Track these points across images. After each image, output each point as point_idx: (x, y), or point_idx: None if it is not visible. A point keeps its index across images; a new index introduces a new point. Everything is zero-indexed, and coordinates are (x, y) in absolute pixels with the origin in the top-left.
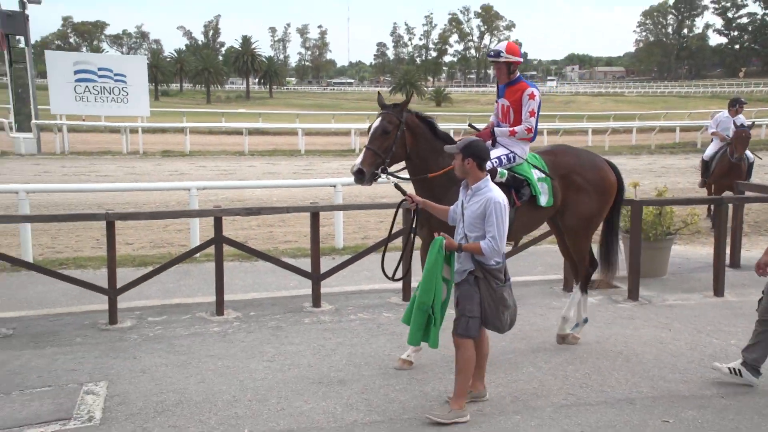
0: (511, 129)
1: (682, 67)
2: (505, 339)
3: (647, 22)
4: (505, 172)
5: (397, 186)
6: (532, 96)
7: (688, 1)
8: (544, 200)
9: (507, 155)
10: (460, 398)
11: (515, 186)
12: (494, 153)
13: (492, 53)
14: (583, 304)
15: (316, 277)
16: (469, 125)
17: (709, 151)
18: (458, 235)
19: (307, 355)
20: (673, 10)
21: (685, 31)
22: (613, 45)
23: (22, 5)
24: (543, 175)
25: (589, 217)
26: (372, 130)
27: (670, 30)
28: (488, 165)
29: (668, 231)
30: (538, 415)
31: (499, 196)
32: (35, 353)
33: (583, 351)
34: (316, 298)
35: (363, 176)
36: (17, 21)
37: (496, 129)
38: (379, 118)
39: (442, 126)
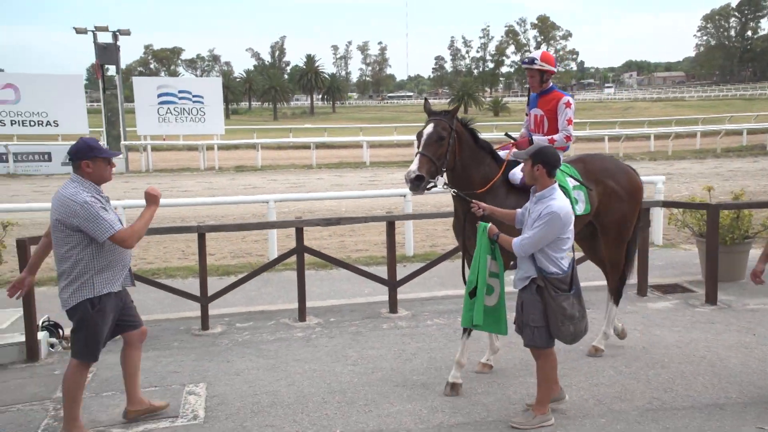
0: (549, 137)
1: (745, 70)
2: (582, 343)
3: (708, 25)
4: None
5: (457, 193)
6: (568, 104)
7: (753, 2)
8: (581, 208)
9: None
10: (543, 404)
11: None
12: None
13: (526, 60)
14: (612, 317)
15: (392, 283)
16: (506, 134)
17: None
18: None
19: (389, 359)
20: (736, 13)
21: (749, 33)
22: (673, 50)
23: (115, 37)
24: (577, 183)
25: (624, 222)
26: (425, 136)
27: (732, 33)
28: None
29: (746, 234)
30: (623, 419)
31: (562, 207)
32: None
33: (664, 355)
34: (393, 304)
35: (421, 182)
36: (110, 52)
37: (534, 137)
38: (432, 124)
39: (493, 135)
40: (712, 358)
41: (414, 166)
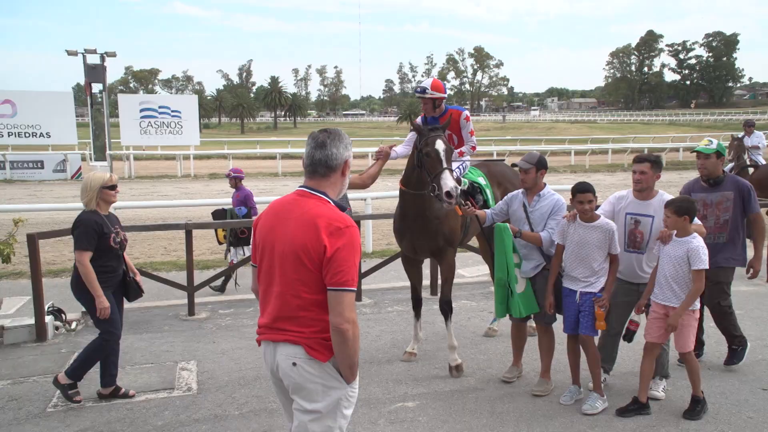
0: (459, 150)
1: (643, 99)
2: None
3: (614, 61)
4: (467, 180)
5: (460, 200)
6: (467, 118)
7: (648, 44)
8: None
9: (460, 166)
10: (548, 370)
11: (472, 192)
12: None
13: (419, 90)
14: None
15: (359, 275)
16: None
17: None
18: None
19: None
20: (635, 52)
21: (646, 69)
22: (587, 79)
23: (102, 59)
24: (486, 183)
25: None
26: (444, 152)
27: (633, 68)
28: (456, 174)
29: None
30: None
31: (561, 198)
32: (136, 337)
33: None
34: (358, 293)
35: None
36: (97, 72)
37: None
38: (441, 140)
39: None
40: None
41: (452, 182)
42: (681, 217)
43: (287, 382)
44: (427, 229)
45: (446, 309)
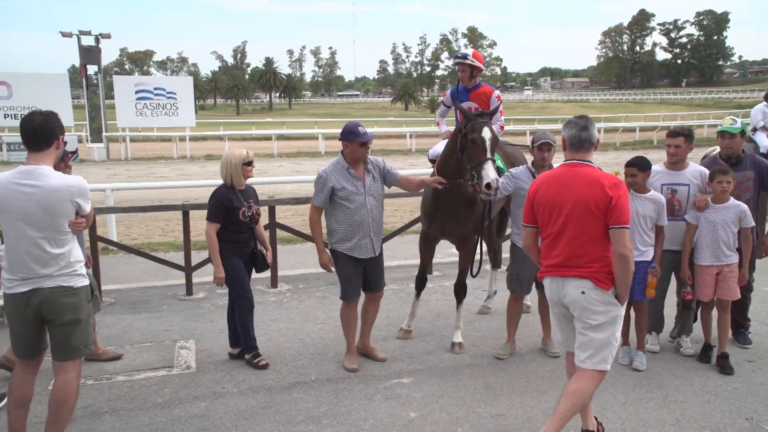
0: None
1: (635, 78)
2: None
3: (606, 40)
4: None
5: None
6: (498, 98)
7: (639, 24)
8: None
9: None
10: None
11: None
12: None
13: (460, 55)
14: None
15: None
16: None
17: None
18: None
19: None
20: (627, 31)
21: (638, 48)
22: (579, 59)
23: (97, 40)
24: (503, 165)
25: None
26: (489, 141)
27: (625, 47)
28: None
29: None
30: (528, 357)
31: None
32: (135, 317)
33: None
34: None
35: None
36: (92, 53)
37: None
38: (487, 127)
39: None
40: None
41: (494, 174)
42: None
43: (574, 307)
44: (460, 215)
45: (460, 293)
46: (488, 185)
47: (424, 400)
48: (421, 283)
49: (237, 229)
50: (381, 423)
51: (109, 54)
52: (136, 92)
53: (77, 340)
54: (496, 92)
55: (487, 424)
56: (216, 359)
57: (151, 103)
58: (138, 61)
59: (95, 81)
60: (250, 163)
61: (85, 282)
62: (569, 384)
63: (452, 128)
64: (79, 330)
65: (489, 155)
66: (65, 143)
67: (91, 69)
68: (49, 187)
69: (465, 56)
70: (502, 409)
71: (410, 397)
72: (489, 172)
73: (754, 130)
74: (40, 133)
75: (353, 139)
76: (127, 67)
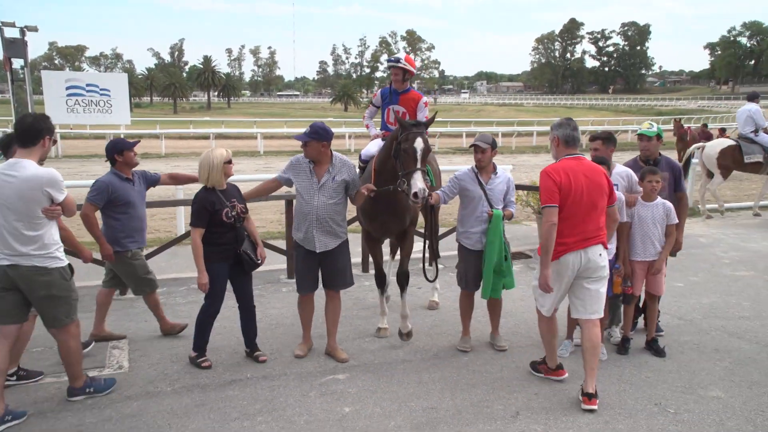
0: None
1: (566, 84)
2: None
3: (539, 47)
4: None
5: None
6: (426, 104)
7: (570, 32)
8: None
9: None
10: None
11: None
12: None
13: (393, 59)
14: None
15: (290, 253)
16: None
17: None
18: (482, 208)
19: (289, 317)
20: (558, 38)
21: (568, 55)
22: (514, 64)
23: (22, 33)
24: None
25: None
26: (421, 151)
27: (557, 54)
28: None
29: None
30: (483, 353)
31: (510, 176)
32: None
33: (512, 307)
34: (291, 271)
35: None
36: (17, 46)
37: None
38: (420, 138)
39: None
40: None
41: (422, 184)
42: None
43: (589, 269)
44: (398, 212)
45: (404, 281)
46: (415, 194)
47: (359, 395)
48: (381, 281)
49: (220, 231)
50: (316, 418)
51: (36, 48)
52: (67, 88)
53: (57, 312)
54: (425, 98)
55: (419, 417)
56: (150, 359)
57: (83, 99)
58: (69, 56)
59: (21, 75)
60: (230, 162)
61: (61, 264)
62: (584, 342)
63: (380, 130)
64: (57, 304)
65: (419, 165)
66: (54, 142)
67: (17, 63)
68: (23, 177)
69: (398, 60)
70: (433, 402)
71: (345, 393)
72: (417, 182)
73: (756, 131)
74: (28, 132)
75: (314, 140)
76: (57, 62)
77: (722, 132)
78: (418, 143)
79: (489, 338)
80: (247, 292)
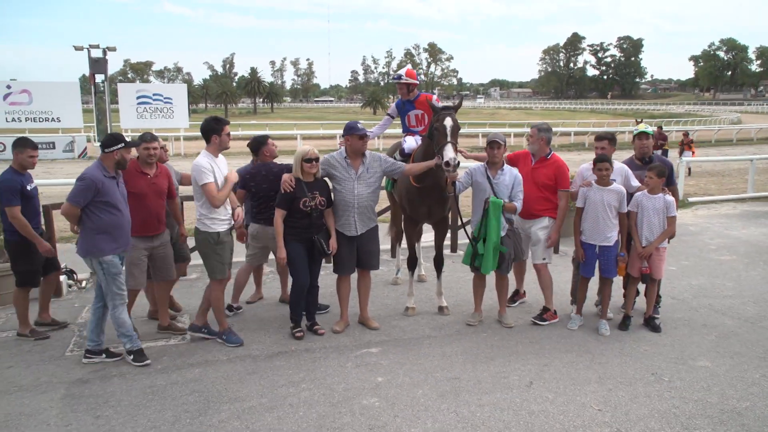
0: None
1: (570, 90)
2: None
3: (546, 57)
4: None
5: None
6: (438, 100)
7: (573, 44)
8: None
9: (415, 138)
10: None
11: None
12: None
13: (396, 77)
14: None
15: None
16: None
17: None
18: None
19: (327, 297)
20: (562, 50)
21: (572, 65)
22: (524, 72)
23: (104, 53)
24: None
25: None
26: (450, 127)
27: (561, 64)
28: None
29: None
30: (500, 329)
31: (518, 171)
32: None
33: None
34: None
35: (458, 166)
36: (100, 64)
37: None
38: (450, 117)
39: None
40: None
41: (452, 154)
42: (660, 178)
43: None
44: (441, 199)
45: (440, 263)
46: (447, 163)
47: (390, 366)
48: (413, 263)
49: (297, 216)
50: (352, 386)
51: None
52: (137, 98)
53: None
54: (433, 95)
55: (443, 386)
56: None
57: (150, 107)
58: (139, 71)
59: (102, 88)
60: (308, 161)
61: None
62: (541, 280)
63: (372, 131)
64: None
65: (450, 139)
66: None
67: (99, 78)
68: None
69: (399, 77)
70: (456, 373)
71: (378, 364)
72: (448, 152)
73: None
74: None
75: (353, 133)
76: (129, 75)
77: (686, 135)
78: (448, 121)
79: (497, 317)
80: (314, 274)
